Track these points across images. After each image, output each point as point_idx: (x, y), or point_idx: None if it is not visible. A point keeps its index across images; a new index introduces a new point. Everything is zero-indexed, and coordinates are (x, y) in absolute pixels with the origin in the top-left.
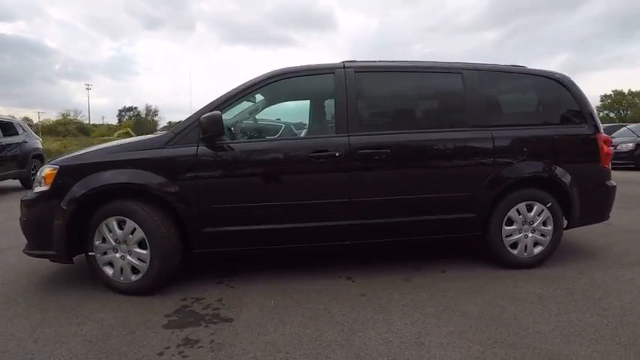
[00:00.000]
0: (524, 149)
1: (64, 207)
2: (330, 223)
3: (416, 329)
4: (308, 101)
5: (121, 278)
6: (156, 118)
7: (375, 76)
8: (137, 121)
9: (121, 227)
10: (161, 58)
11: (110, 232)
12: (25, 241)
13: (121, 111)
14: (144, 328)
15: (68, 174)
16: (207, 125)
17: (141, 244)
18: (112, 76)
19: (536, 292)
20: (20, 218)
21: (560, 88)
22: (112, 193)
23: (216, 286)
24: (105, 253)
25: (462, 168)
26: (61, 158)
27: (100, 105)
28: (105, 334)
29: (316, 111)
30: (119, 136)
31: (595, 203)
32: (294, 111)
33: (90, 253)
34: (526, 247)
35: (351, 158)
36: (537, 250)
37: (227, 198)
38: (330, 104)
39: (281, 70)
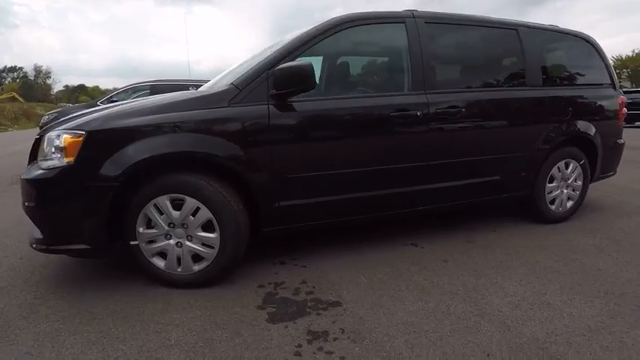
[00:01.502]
0: (570, 109)
1: (101, 185)
2: (409, 189)
3: (530, 290)
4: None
5: (179, 269)
6: (49, 81)
7: (444, 29)
8: (25, 83)
9: (176, 207)
10: (47, 8)
11: (161, 214)
12: (34, 233)
13: (0, 72)
14: (247, 326)
15: (101, 141)
16: (289, 78)
17: (205, 227)
18: None
19: (588, 243)
20: (25, 204)
21: (591, 49)
22: (165, 165)
23: (285, 267)
24: (151, 242)
25: (525, 127)
26: (83, 121)
27: None
28: (205, 341)
29: (385, 65)
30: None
31: (610, 159)
32: (353, 66)
33: (132, 243)
34: (562, 202)
35: (429, 118)
36: (569, 204)
37: (304, 165)
38: (398, 58)
39: (350, 15)
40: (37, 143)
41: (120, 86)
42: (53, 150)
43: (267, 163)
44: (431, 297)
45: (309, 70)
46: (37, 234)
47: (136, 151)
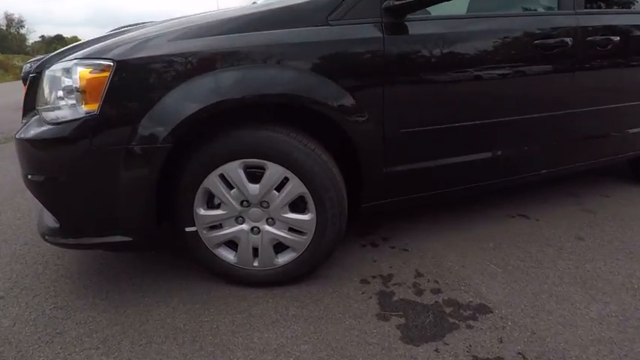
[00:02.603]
0: None
1: (145, 148)
2: (542, 145)
3: None
4: None
5: (255, 263)
6: (23, 31)
7: None
8: None
9: (252, 179)
10: None
11: (231, 188)
12: (45, 220)
13: None
14: (380, 353)
15: (140, 77)
16: None
17: (294, 205)
18: None
19: None
20: (27, 177)
21: None
22: (236, 117)
23: (381, 251)
24: (215, 227)
25: None
26: (104, 46)
27: None
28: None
29: None
30: None
31: None
32: None
33: (188, 229)
34: None
35: (579, 48)
36: None
37: (425, 115)
38: None
39: None
40: (34, 85)
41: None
42: (61, 93)
43: (378, 112)
44: (604, 294)
45: None
46: (51, 221)
47: (195, 95)
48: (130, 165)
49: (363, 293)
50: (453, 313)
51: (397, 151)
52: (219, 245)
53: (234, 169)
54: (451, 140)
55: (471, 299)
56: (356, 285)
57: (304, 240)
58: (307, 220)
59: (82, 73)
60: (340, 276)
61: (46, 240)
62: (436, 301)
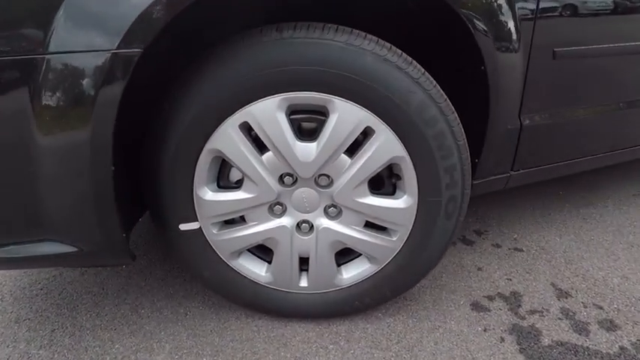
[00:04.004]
0: None
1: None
2: None
3: None
4: None
5: (303, 283)
6: None
7: None
8: None
9: (302, 133)
10: None
11: (261, 150)
12: None
13: None
14: None
15: None
16: None
17: (374, 183)
18: None
19: None
20: None
21: None
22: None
23: (484, 255)
24: (232, 222)
25: None
26: None
27: None
28: None
29: None
30: None
31: None
32: None
33: (185, 227)
34: None
35: None
36: None
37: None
38: None
39: None
40: None
41: None
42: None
43: (526, 39)
44: None
45: None
46: None
47: None
48: (56, 106)
49: (485, 331)
50: None
51: (538, 93)
52: (239, 253)
53: (270, 112)
54: (603, 78)
55: None
56: (467, 314)
57: (392, 243)
58: (401, 209)
59: None
60: (438, 298)
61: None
62: (622, 346)
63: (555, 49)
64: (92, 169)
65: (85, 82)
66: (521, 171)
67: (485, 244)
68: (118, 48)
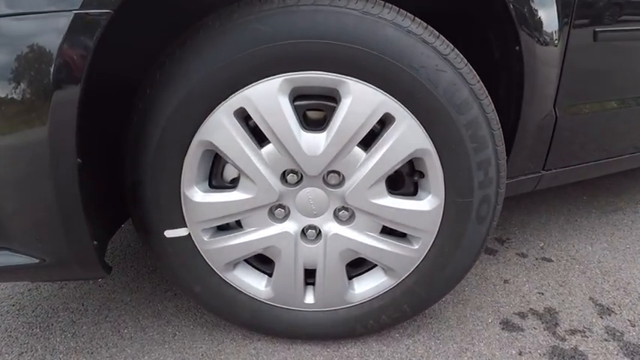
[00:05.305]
0: None
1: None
2: None
3: None
4: None
5: (309, 299)
6: None
7: None
8: None
9: (308, 122)
10: None
11: (261, 141)
12: None
13: None
14: None
15: None
16: None
17: (392, 182)
18: None
19: None
20: None
21: None
22: None
23: (510, 265)
24: (226, 228)
25: None
26: None
27: None
28: None
29: None
30: None
31: None
32: None
33: (170, 233)
34: None
35: None
36: None
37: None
38: None
39: None
40: None
41: None
42: None
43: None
44: None
45: None
46: None
47: None
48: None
49: (521, 354)
50: None
51: (576, 80)
52: (234, 264)
53: (271, 96)
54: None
55: None
56: (498, 334)
57: (413, 252)
58: (425, 212)
59: None
60: (462, 315)
61: None
62: None
63: (597, 29)
64: (51, 163)
65: (40, 52)
66: (553, 170)
67: (509, 253)
68: (81, 7)
